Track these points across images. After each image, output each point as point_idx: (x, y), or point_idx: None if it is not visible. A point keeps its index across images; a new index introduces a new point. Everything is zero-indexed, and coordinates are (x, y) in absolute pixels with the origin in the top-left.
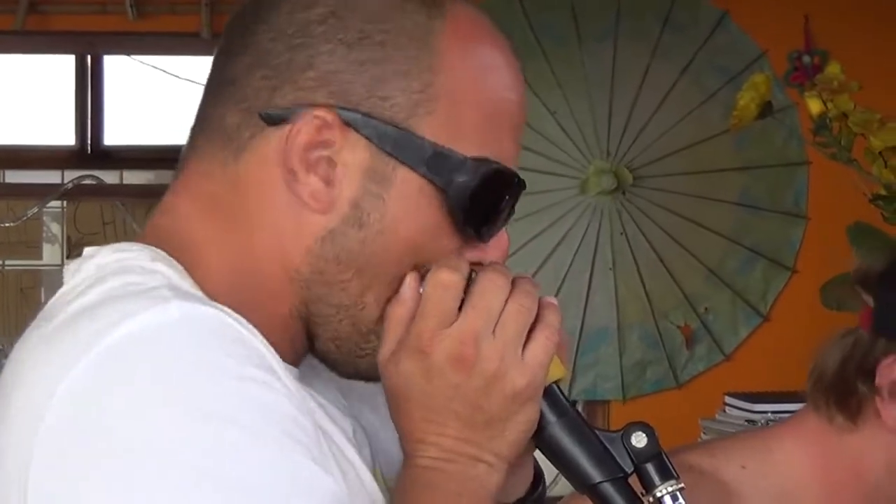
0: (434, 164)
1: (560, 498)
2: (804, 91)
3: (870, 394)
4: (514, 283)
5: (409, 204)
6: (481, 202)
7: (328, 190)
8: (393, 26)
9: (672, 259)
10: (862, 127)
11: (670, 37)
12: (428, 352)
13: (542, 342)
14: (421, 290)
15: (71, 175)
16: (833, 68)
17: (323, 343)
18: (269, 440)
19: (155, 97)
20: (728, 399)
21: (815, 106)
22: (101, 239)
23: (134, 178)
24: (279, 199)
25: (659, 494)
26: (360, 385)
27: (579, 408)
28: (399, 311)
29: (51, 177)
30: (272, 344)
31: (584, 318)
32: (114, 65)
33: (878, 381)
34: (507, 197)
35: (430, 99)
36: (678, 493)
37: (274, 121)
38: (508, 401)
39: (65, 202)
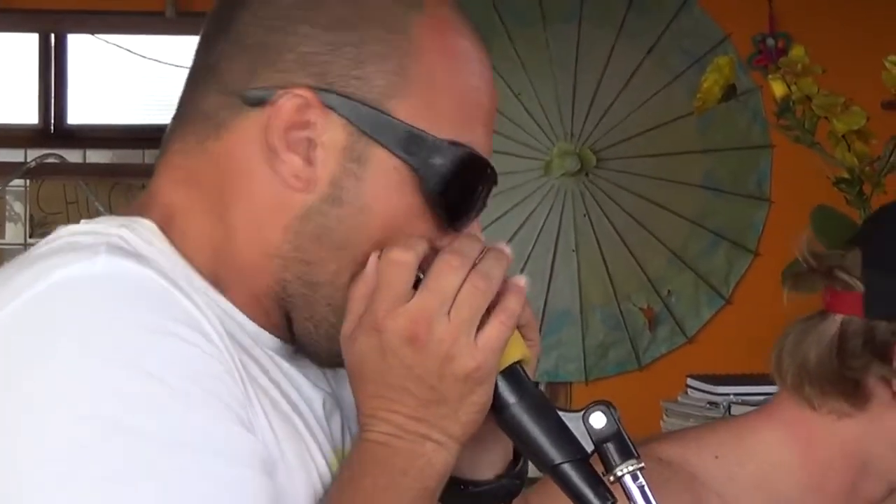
0: (410, 145)
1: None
2: (768, 74)
3: (880, 377)
4: (476, 262)
5: (385, 184)
6: (455, 185)
7: (308, 169)
8: (371, 12)
9: (635, 241)
10: (825, 110)
11: (635, 19)
12: (381, 329)
13: (497, 326)
14: None
15: (34, 154)
16: (797, 51)
17: (300, 324)
18: (184, 395)
19: (119, 76)
20: (690, 381)
21: (778, 89)
22: (64, 218)
23: (97, 157)
24: (258, 178)
25: (619, 473)
26: None
27: (541, 389)
28: (360, 289)
29: (14, 155)
30: (253, 319)
31: (547, 300)
32: (78, 44)
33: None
34: (479, 185)
35: (407, 82)
36: (638, 473)
37: (254, 102)
38: (460, 382)
39: (28, 181)
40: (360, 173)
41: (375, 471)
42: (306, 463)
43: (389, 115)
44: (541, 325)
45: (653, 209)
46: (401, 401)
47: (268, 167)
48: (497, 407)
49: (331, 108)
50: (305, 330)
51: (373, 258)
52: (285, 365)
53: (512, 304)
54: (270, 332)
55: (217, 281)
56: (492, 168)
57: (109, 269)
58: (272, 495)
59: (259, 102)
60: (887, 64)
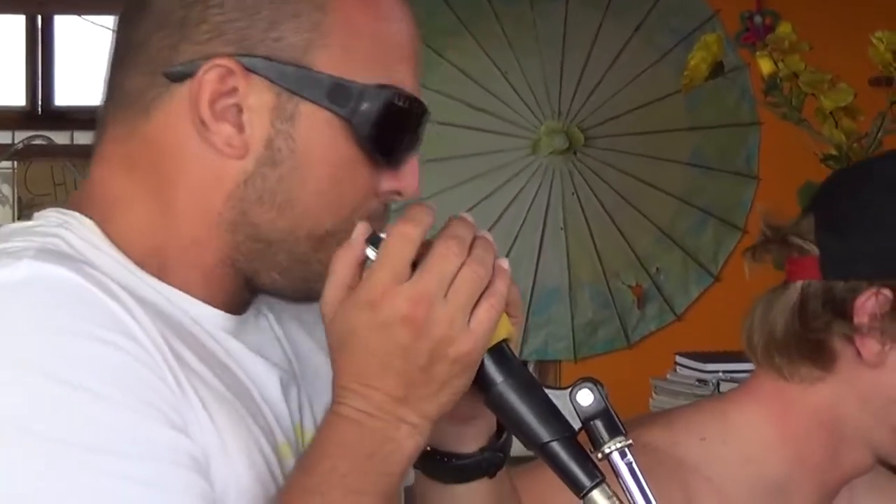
0: (335, 95)
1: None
2: (755, 51)
3: (842, 336)
4: (471, 246)
5: (319, 137)
6: (387, 128)
7: (240, 135)
8: None
9: (623, 219)
10: (813, 87)
11: None
12: (378, 306)
13: (488, 309)
14: (368, 244)
15: (21, 135)
16: (784, 28)
17: (265, 276)
18: (108, 400)
19: (106, 57)
20: (679, 359)
21: (766, 66)
22: (52, 199)
23: (85, 138)
24: (194, 151)
25: (607, 451)
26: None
27: (530, 368)
28: (346, 255)
29: (1, 137)
30: (202, 297)
31: (536, 278)
32: (65, 25)
33: (856, 320)
34: (411, 123)
35: (324, 34)
36: (626, 450)
37: (177, 77)
38: (450, 365)
39: (15, 163)
40: (291, 131)
41: (337, 453)
42: (250, 449)
43: (311, 69)
44: (530, 304)
45: (641, 187)
46: (384, 377)
47: (200, 140)
48: (484, 385)
49: (253, 72)
50: (271, 280)
51: (361, 227)
52: (234, 345)
53: (501, 287)
54: (221, 308)
55: (161, 268)
56: (421, 103)
57: (31, 275)
58: (204, 493)
59: (183, 77)
60: (874, 40)
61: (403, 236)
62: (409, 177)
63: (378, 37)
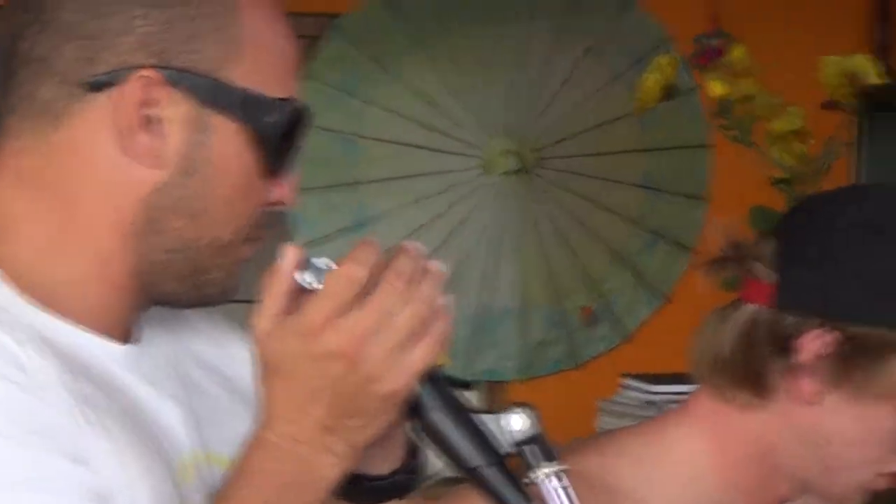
0: (247, 108)
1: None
2: (708, 74)
3: (782, 370)
4: (417, 282)
5: (231, 148)
6: (285, 140)
7: (158, 145)
8: None
9: (575, 240)
10: (764, 110)
11: (576, 17)
12: (316, 337)
13: (425, 350)
14: (302, 269)
15: None
16: (737, 52)
17: (166, 286)
18: (2, 436)
19: None
20: (626, 380)
21: (717, 88)
22: None
23: None
24: (108, 160)
25: (540, 476)
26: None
27: (480, 388)
28: (280, 279)
29: None
30: (94, 327)
31: (487, 298)
32: None
33: (800, 358)
34: (302, 133)
35: (238, 49)
36: (558, 475)
37: (98, 87)
38: (380, 402)
39: None
40: (206, 142)
41: (259, 479)
42: (154, 478)
43: (226, 83)
44: (480, 324)
45: (593, 208)
46: (314, 407)
47: (117, 149)
48: (416, 412)
49: (173, 83)
50: (171, 289)
51: (291, 251)
52: (127, 377)
53: (440, 327)
54: (113, 335)
55: (51, 297)
56: (311, 115)
57: None
58: None
59: (103, 87)
60: (824, 64)
61: (349, 278)
62: (290, 188)
63: (278, 50)
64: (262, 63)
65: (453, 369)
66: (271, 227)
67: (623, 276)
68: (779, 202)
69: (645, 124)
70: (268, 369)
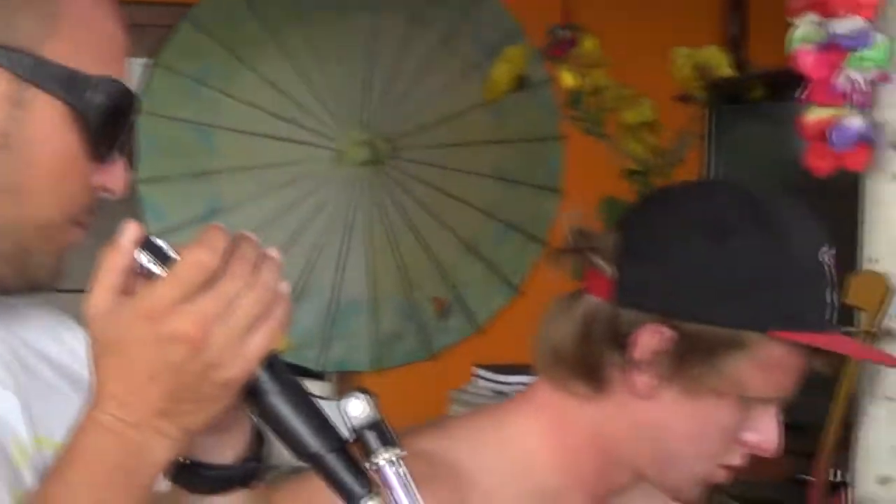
0: (67, 85)
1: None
2: (560, 65)
3: (619, 364)
4: (260, 268)
5: (50, 125)
6: (110, 122)
7: None
8: None
9: (428, 232)
10: (615, 102)
11: (430, 8)
12: (159, 321)
13: (265, 336)
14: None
15: None
16: (588, 43)
17: None
18: None
19: None
20: (477, 371)
21: (569, 80)
22: None
23: None
24: None
25: (378, 462)
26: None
27: (331, 379)
28: (116, 258)
29: None
30: None
31: (338, 289)
32: None
33: (636, 353)
34: (129, 117)
35: (58, 25)
36: (396, 461)
37: None
38: (219, 388)
39: None
40: (23, 118)
41: (89, 461)
42: None
43: (45, 59)
44: (332, 315)
45: (446, 200)
46: (150, 389)
47: None
48: (255, 397)
49: None
50: None
51: (131, 228)
52: None
53: (280, 313)
54: None
55: None
56: (139, 101)
57: None
58: None
59: None
60: (676, 57)
61: (200, 263)
62: (119, 175)
63: (104, 32)
64: (82, 41)
65: (305, 360)
66: (120, 215)
67: (475, 268)
68: (631, 194)
69: (498, 115)
70: (102, 348)
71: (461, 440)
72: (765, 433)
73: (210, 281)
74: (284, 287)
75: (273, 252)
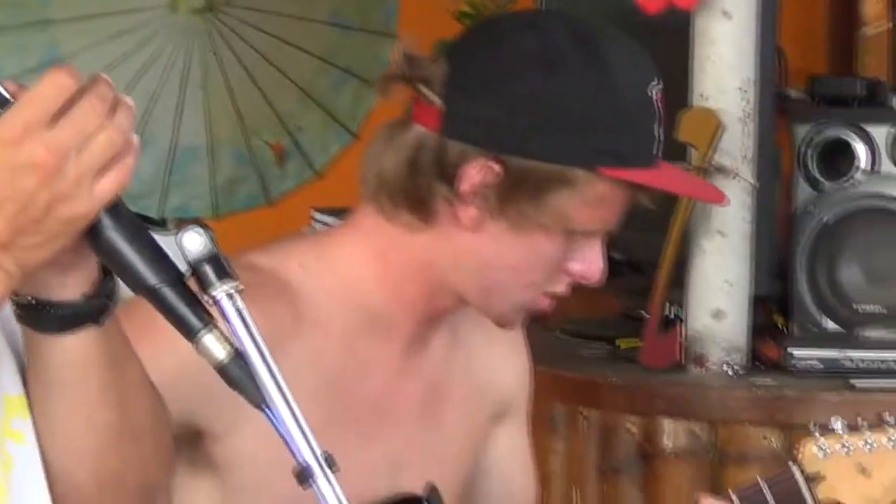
0: None
1: None
2: None
3: (446, 196)
4: (115, 110)
5: None
6: None
7: None
8: None
9: (264, 79)
10: None
11: None
12: (14, 147)
13: (114, 179)
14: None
15: None
16: None
17: None
18: None
19: None
20: (315, 214)
21: None
22: None
23: None
24: None
25: (216, 294)
26: None
27: (171, 226)
28: None
29: None
30: None
31: (176, 137)
32: None
33: (462, 186)
34: None
35: None
36: (234, 293)
37: None
38: (63, 224)
39: None
40: None
41: None
42: None
43: None
44: (169, 163)
45: (282, 46)
46: None
47: None
48: (92, 231)
49: None
50: None
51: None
52: None
53: (130, 161)
54: None
55: None
56: None
57: None
58: None
59: None
60: None
61: (59, 84)
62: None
63: None
64: None
65: (145, 209)
66: None
67: (313, 114)
68: None
69: None
70: None
71: (286, 259)
72: (589, 262)
73: (65, 109)
74: (135, 139)
75: (128, 99)
